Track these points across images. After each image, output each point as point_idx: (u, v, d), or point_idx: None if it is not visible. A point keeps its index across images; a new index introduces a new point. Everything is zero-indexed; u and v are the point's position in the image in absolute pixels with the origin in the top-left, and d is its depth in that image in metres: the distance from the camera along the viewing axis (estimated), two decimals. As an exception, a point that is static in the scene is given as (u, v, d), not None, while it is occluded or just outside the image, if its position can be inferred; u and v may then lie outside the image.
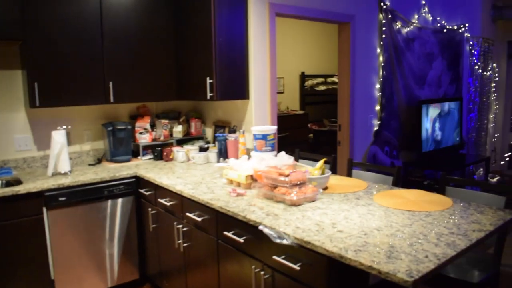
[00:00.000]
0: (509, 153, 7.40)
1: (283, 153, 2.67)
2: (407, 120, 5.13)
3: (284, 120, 6.51)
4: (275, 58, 3.70)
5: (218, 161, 3.58)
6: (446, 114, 5.51)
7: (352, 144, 4.47)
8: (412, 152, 5.17)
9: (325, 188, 2.57)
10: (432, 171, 5.23)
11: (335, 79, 7.44)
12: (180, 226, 2.75)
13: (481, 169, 6.56)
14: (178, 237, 2.78)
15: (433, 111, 5.25)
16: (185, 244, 2.73)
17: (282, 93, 7.29)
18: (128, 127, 3.73)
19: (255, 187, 2.53)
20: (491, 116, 7.18)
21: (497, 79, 7.20)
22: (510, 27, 7.07)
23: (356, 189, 2.55)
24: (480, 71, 6.63)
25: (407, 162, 5.17)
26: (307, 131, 7.03)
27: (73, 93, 3.31)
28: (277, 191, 2.30)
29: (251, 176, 2.62)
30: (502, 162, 7.44)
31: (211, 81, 3.33)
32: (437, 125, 5.35)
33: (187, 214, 2.63)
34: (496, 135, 7.38)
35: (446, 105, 5.52)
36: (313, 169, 2.54)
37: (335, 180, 2.77)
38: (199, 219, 2.51)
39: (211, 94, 3.35)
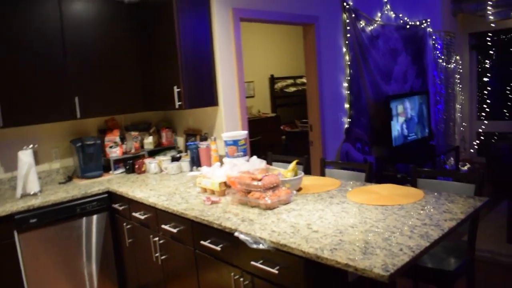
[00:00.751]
0: (477, 141, 7.59)
1: (254, 157, 2.66)
2: (376, 116, 5.21)
3: (256, 124, 6.52)
4: (242, 63, 3.70)
5: (191, 170, 3.55)
6: (414, 108, 5.62)
7: (324, 143, 4.50)
8: (384, 147, 5.25)
9: (299, 189, 2.57)
10: (404, 164, 5.31)
11: (304, 80, 7.51)
12: (157, 239, 2.71)
13: (452, 159, 6.71)
14: (155, 250, 2.74)
15: (401, 106, 5.34)
16: (163, 257, 2.69)
17: (252, 97, 7.30)
18: (97, 142, 3.67)
19: (229, 193, 2.51)
20: (458, 106, 7.36)
21: (460, 70, 7.38)
22: (469, 19, 7.27)
23: (329, 188, 2.57)
24: (444, 64, 6.79)
25: (379, 157, 5.24)
26: (280, 133, 7.06)
27: (38, 110, 3.23)
28: (251, 196, 2.29)
29: (225, 183, 2.61)
30: (472, 150, 7.62)
31: (178, 90, 3.31)
32: (406, 118, 5.45)
33: (163, 226, 2.59)
34: (463, 124, 7.57)
35: (413, 99, 5.62)
36: (286, 171, 2.54)
37: (308, 181, 2.78)
38: (175, 230, 2.48)
39: (180, 103, 3.33)
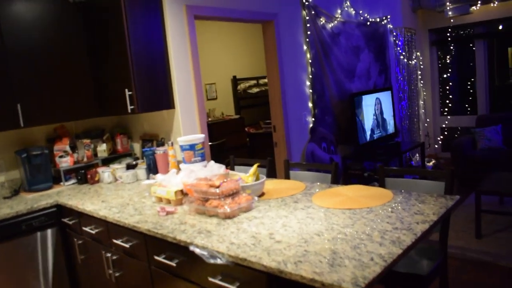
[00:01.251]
0: (441, 136, 7.63)
1: (212, 162, 2.48)
2: (341, 114, 5.11)
3: (220, 127, 6.33)
4: (198, 63, 3.51)
5: (148, 178, 3.33)
6: (378, 105, 5.55)
7: (289, 144, 4.36)
8: (350, 146, 5.16)
9: (262, 195, 2.40)
10: (371, 162, 5.23)
11: (266, 80, 7.36)
12: (109, 254, 2.48)
13: (417, 155, 6.70)
14: (108, 266, 2.51)
15: (365, 103, 5.26)
16: (117, 274, 2.47)
17: (215, 99, 7.11)
18: (44, 152, 3.39)
19: (186, 202, 2.31)
20: (421, 102, 7.38)
21: (422, 66, 7.41)
22: (429, 15, 7.30)
23: (294, 191, 2.41)
24: (405, 60, 6.78)
25: (345, 156, 5.14)
26: (245, 135, 6.89)
27: (-25, 120, 2.95)
28: (208, 205, 2.10)
29: (181, 191, 2.41)
30: (436, 146, 7.66)
31: (130, 93, 3.09)
32: (370, 116, 5.37)
33: (114, 241, 2.37)
34: (427, 120, 7.60)
35: (377, 96, 5.56)
36: (247, 176, 2.37)
37: (272, 185, 2.62)
38: (127, 245, 2.27)
39: (132, 107, 3.10)
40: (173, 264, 1.94)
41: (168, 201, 2.46)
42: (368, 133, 5.31)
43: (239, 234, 1.82)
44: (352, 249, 1.53)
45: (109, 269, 2.50)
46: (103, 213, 2.48)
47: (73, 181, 3.54)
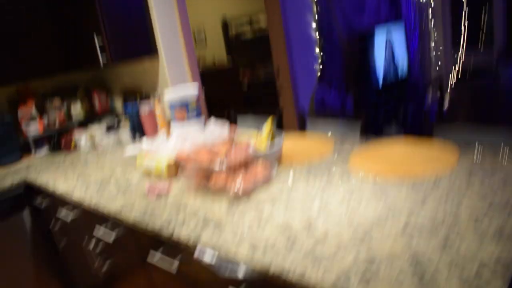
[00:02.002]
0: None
1: (212, 121, 1.91)
2: (351, 55, 4.48)
3: (211, 77, 5.70)
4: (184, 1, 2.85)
5: (133, 142, 2.77)
6: (391, 43, 4.92)
7: (296, 91, 3.77)
8: (362, 89, 4.57)
9: (280, 158, 1.85)
10: (387, 107, 4.68)
11: (261, 17, 6.64)
12: (92, 245, 1.96)
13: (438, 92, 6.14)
14: (92, 259, 2.00)
15: (376, 41, 4.62)
16: (105, 265, 1.96)
17: (205, 44, 6.42)
18: (5, 120, 2.80)
19: (182, 176, 1.76)
20: (432, 45, 6.71)
21: (432, 5, 6.68)
22: None
23: (320, 151, 1.85)
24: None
25: (357, 101, 4.56)
26: (239, 83, 6.28)
27: None
28: (213, 182, 1.55)
29: (175, 163, 1.85)
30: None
31: (99, 37, 2.45)
32: (382, 55, 4.75)
33: (95, 233, 1.84)
34: (438, 63, 6.97)
35: (389, 31, 4.91)
36: (260, 136, 1.80)
37: (288, 143, 2.06)
38: (111, 241, 1.74)
39: (104, 56, 2.48)
40: (172, 271, 1.42)
41: (159, 175, 1.91)
42: (382, 74, 4.70)
43: (262, 226, 1.28)
44: (442, 250, 1.00)
45: (94, 262, 1.99)
46: (78, 194, 1.93)
47: (46, 149, 2.97)
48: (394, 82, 4.94)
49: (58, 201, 2.16)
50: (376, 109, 4.57)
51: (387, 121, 4.51)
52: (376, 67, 4.57)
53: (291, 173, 1.68)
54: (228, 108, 2.94)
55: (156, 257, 1.48)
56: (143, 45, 2.65)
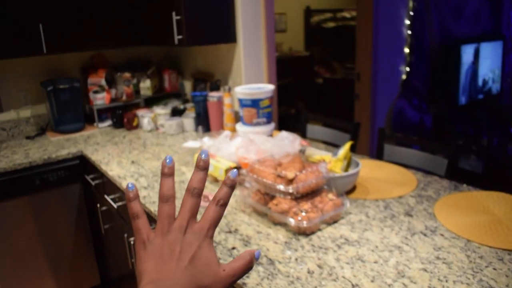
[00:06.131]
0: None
1: (284, 133, 1.71)
2: (439, 64, 4.09)
3: (285, 64, 5.48)
4: (272, -16, 2.64)
5: (196, 130, 2.63)
6: (487, 57, 4.45)
7: (374, 97, 3.49)
8: (445, 105, 4.17)
9: (352, 189, 1.62)
10: (467, 128, 4.25)
11: (346, 14, 6.32)
12: (132, 239, 1.84)
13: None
14: (130, 254, 1.89)
15: (472, 53, 4.18)
16: (141, 266, 1.84)
17: (284, 31, 6.19)
18: (75, 85, 2.75)
19: (241, 188, 1.58)
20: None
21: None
22: None
23: (400, 188, 1.60)
24: (522, 1, 5.46)
25: (437, 117, 4.18)
26: (313, 75, 6.02)
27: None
28: (274, 206, 1.36)
29: (236, 168, 1.67)
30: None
31: (178, 17, 2.30)
32: (476, 70, 4.31)
33: (137, 229, 1.71)
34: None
35: (488, 46, 4.44)
36: (334, 160, 1.57)
37: (364, 170, 1.81)
38: (152, 243, 1.60)
39: (180, 36, 2.33)
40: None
41: (215, 180, 1.74)
42: (471, 91, 4.27)
43: (323, 280, 1.07)
44: None
45: (132, 258, 1.87)
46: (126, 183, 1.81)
47: (109, 122, 2.91)
48: (481, 102, 4.47)
49: (108, 183, 2.06)
50: (453, 132, 4.16)
51: (465, 150, 4.09)
52: (465, 81, 4.14)
53: (363, 209, 1.45)
54: (299, 98, 2.71)
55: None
56: (222, 31, 2.47)
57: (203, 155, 0.55)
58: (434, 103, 4.13)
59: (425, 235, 1.26)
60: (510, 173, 4.03)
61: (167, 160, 0.56)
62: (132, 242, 1.82)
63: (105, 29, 2.66)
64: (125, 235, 1.90)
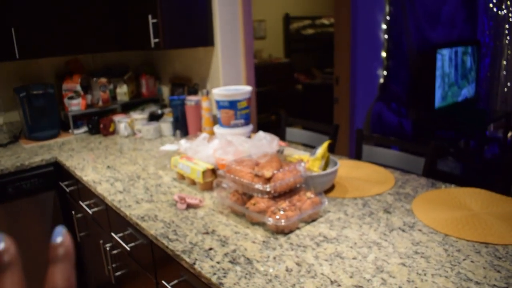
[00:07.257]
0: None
1: (261, 134, 1.69)
2: (418, 69, 4.14)
3: (265, 71, 5.49)
4: (249, -12, 2.64)
5: (173, 135, 2.60)
6: (460, 62, 4.53)
7: (353, 101, 3.50)
8: (423, 109, 4.22)
9: (330, 188, 1.61)
10: (445, 131, 4.31)
11: (325, 21, 6.38)
12: (108, 246, 1.79)
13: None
14: (106, 261, 1.84)
15: (448, 58, 4.25)
16: (117, 273, 1.79)
17: (263, 38, 6.21)
18: (49, 91, 2.69)
19: (218, 190, 1.55)
20: (504, 62, 6.21)
21: (511, 20, 6.17)
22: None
23: (378, 186, 1.60)
24: (495, 9, 5.58)
25: (415, 121, 4.22)
26: (293, 83, 6.04)
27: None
28: (252, 206, 1.33)
29: (212, 170, 1.65)
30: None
31: (154, 20, 2.28)
32: (451, 74, 4.38)
33: (113, 234, 1.67)
34: (508, 84, 6.45)
35: (462, 50, 4.52)
36: (312, 158, 1.56)
37: (343, 169, 1.81)
38: (128, 247, 1.56)
39: (157, 40, 2.30)
40: (188, 303, 1.22)
41: (193, 182, 1.71)
42: (447, 95, 4.33)
43: (302, 277, 1.05)
44: None
45: (108, 264, 1.82)
46: (103, 187, 1.77)
47: (84, 129, 2.86)
48: (458, 106, 4.55)
49: (83, 189, 2.01)
50: (432, 136, 4.20)
51: (442, 152, 4.14)
52: (442, 85, 4.20)
53: (341, 207, 1.44)
54: (279, 105, 2.71)
55: (172, 282, 1.29)
56: (199, 34, 2.45)
57: (58, 238, 0.35)
58: (414, 109, 4.18)
59: (403, 231, 1.25)
60: (487, 175, 4.09)
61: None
62: (108, 248, 1.77)
63: (80, 34, 2.62)
64: (101, 241, 1.85)
